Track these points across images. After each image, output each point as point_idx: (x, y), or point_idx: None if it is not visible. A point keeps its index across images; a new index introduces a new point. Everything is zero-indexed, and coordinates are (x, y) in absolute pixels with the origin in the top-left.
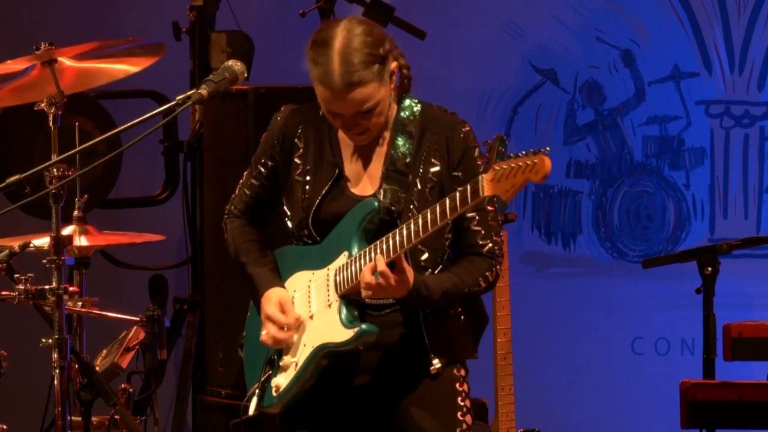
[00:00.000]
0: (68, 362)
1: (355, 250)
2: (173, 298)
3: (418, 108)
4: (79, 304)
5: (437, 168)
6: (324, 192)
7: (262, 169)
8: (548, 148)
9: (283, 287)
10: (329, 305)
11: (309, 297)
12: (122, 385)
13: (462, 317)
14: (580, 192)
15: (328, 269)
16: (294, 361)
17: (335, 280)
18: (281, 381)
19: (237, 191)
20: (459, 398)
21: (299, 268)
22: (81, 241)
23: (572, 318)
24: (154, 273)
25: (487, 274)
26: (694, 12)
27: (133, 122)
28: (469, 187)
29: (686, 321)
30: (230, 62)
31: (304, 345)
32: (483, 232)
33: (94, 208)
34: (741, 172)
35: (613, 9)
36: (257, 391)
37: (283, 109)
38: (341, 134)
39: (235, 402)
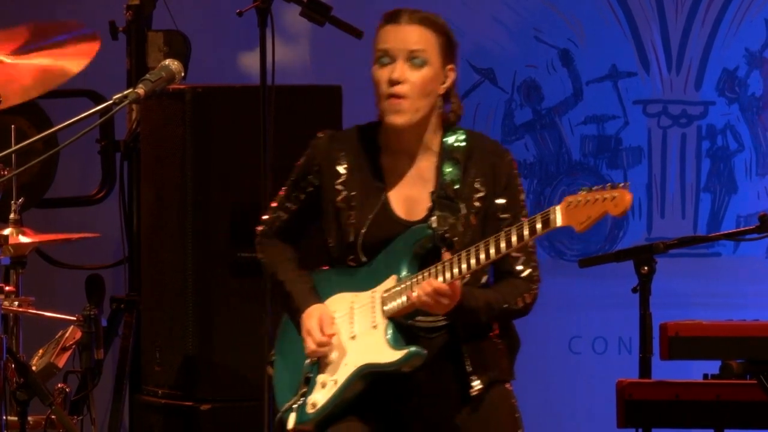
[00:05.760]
0: (4, 362)
1: (404, 274)
2: (110, 298)
3: (463, 135)
4: (16, 303)
5: (482, 194)
6: (371, 217)
7: (300, 195)
8: (628, 183)
9: (323, 305)
10: (374, 326)
11: (351, 318)
12: (59, 385)
13: (499, 341)
14: None
15: (374, 291)
16: (333, 380)
17: (382, 302)
18: (318, 398)
19: (270, 212)
20: (516, 414)
21: (339, 290)
22: (17, 238)
23: None
24: (91, 272)
25: (526, 295)
26: (632, 11)
27: (69, 121)
28: (539, 216)
29: (623, 320)
30: (167, 61)
31: (346, 364)
32: (523, 257)
33: (31, 208)
34: (678, 171)
35: (551, 9)
36: (294, 406)
37: (321, 135)
38: (384, 161)
39: (171, 402)
